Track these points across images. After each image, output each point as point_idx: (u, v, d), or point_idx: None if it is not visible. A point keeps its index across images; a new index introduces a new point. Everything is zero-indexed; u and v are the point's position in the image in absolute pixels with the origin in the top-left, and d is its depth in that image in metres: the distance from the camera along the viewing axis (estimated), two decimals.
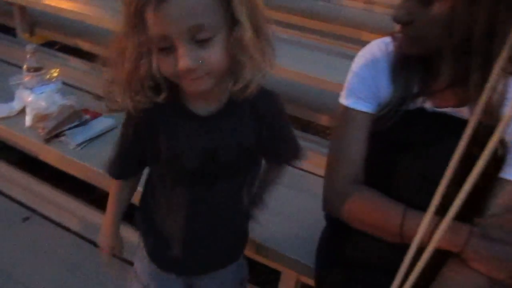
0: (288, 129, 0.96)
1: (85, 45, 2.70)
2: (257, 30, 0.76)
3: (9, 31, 2.87)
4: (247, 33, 0.73)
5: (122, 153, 0.99)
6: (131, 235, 1.55)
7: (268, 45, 0.80)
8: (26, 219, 1.73)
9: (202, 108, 0.85)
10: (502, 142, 0.84)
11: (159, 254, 1.02)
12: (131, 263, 1.15)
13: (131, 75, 0.77)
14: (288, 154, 0.99)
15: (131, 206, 1.25)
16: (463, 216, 0.81)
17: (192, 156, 0.87)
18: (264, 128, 0.89)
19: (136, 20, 0.72)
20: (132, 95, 0.79)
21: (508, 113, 0.50)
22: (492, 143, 0.52)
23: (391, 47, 0.93)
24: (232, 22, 0.73)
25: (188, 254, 0.98)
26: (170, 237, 0.97)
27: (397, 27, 0.84)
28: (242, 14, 0.72)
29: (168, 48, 0.72)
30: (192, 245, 0.97)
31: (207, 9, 0.70)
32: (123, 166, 1.01)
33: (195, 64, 0.71)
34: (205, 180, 0.90)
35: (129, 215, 1.25)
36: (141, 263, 1.07)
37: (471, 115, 0.62)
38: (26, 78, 1.66)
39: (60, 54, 2.35)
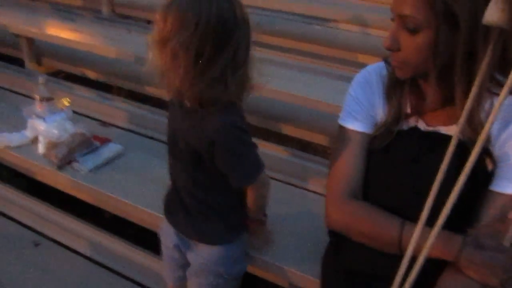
0: (234, 159, 1.07)
1: (90, 74, 2.78)
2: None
3: (17, 61, 2.97)
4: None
5: None
6: (151, 263, 1.60)
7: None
8: (37, 244, 1.77)
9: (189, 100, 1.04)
10: (491, 157, 0.91)
11: (165, 208, 1.29)
12: None
13: None
14: (235, 180, 1.10)
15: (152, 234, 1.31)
16: (458, 226, 0.88)
17: (169, 133, 1.15)
18: (216, 151, 1.04)
19: None
20: None
21: (486, 129, 0.56)
22: (472, 157, 0.58)
23: (384, 71, 1.00)
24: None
25: (174, 212, 1.24)
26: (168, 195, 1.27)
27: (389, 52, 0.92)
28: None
29: None
30: (175, 205, 1.22)
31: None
32: None
33: None
34: (172, 155, 1.17)
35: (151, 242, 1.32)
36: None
37: (457, 135, 0.68)
38: (38, 107, 1.74)
39: (67, 83, 2.44)
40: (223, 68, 0.95)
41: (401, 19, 0.84)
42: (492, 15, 0.50)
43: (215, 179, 1.13)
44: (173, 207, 1.25)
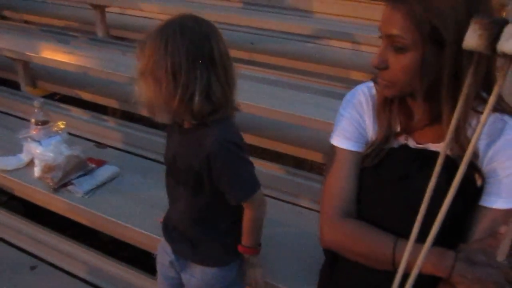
0: (231, 174, 1.10)
1: (85, 95, 2.79)
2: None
3: (12, 84, 2.99)
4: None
5: None
6: (148, 284, 1.61)
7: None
8: (33, 267, 1.77)
9: (186, 123, 1.11)
10: (479, 173, 0.93)
11: (164, 227, 1.31)
12: None
13: None
14: (232, 196, 1.12)
15: (148, 255, 1.33)
16: (450, 242, 0.89)
17: (167, 156, 1.19)
18: (212, 166, 1.07)
19: None
20: None
21: (471, 145, 0.58)
22: (459, 173, 0.60)
23: (373, 91, 1.03)
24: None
25: (172, 232, 1.26)
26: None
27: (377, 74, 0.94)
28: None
29: None
30: (173, 226, 1.26)
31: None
32: None
33: None
34: (172, 178, 1.20)
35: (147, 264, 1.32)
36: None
37: (445, 151, 0.70)
38: (34, 131, 1.75)
39: (63, 105, 2.45)
40: (206, 81, 1.01)
41: (388, 38, 0.86)
42: (471, 40, 0.52)
43: (214, 202, 1.15)
44: (171, 227, 1.27)
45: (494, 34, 0.50)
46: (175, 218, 1.25)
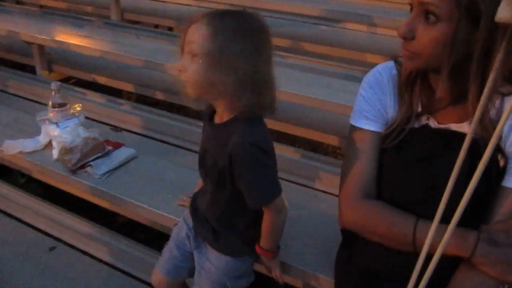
0: (250, 179, 1.07)
1: (100, 79, 2.81)
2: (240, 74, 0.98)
3: (27, 68, 3.01)
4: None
5: None
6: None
7: (256, 89, 1.00)
8: (52, 248, 1.80)
9: (218, 117, 1.11)
10: (502, 153, 0.91)
11: (192, 204, 1.31)
12: None
13: None
14: (250, 200, 1.10)
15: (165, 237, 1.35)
16: (472, 223, 0.88)
17: (200, 149, 1.19)
18: (234, 166, 1.06)
19: None
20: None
21: (499, 127, 0.56)
22: (486, 155, 0.58)
23: (394, 71, 1.01)
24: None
25: (199, 214, 1.27)
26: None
27: (401, 45, 0.90)
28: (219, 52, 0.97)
29: None
30: (200, 212, 1.26)
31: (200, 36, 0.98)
32: None
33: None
34: (203, 170, 1.20)
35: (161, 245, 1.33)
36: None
37: (472, 131, 0.68)
38: (52, 113, 1.76)
39: (79, 89, 2.47)
40: (259, 74, 1.00)
41: (421, 6, 0.82)
42: (505, 12, 0.50)
43: (235, 199, 1.13)
44: (198, 208, 1.28)
45: None
46: (202, 207, 1.26)
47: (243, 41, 0.97)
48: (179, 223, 1.37)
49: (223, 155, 1.06)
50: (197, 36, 0.97)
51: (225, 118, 1.07)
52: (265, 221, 1.15)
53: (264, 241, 1.19)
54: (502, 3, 0.50)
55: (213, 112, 1.13)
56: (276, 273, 1.27)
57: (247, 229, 1.20)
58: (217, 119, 1.11)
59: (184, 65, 1.00)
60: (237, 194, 1.11)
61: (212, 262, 1.23)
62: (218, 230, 1.22)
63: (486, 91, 0.60)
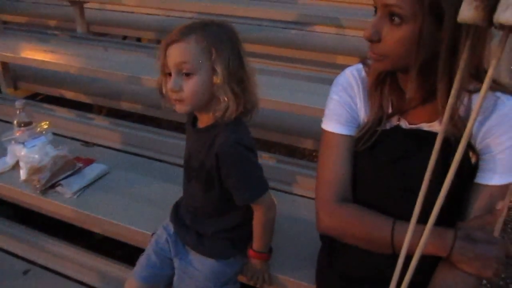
0: (237, 176, 1.11)
1: (69, 94, 2.74)
2: (230, 79, 1.04)
3: None
4: (218, 79, 1.03)
5: None
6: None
7: (241, 91, 1.07)
8: (26, 272, 1.74)
9: (201, 122, 1.16)
10: (474, 150, 0.92)
11: (174, 212, 1.34)
12: None
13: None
14: (238, 197, 1.13)
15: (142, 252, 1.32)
16: (447, 221, 0.88)
17: (185, 153, 1.23)
18: (221, 165, 1.10)
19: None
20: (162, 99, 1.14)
21: (469, 125, 0.56)
22: (458, 153, 0.58)
23: (363, 73, 1.01)
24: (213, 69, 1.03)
25: (180, 221, 1.29)
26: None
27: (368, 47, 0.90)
28: (217, 65, 1.02)
29: (168, 74, 1.06)
30: (181, 215, 1.29)
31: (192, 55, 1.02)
32: None
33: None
34: (187, 174, 1.23)
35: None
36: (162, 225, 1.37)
37: (444, 129, 0.68)
38: (18, 133, 1.71)
39: (46, 105, 2.40)
40: (244, 81, 1.08)
41: (385, 8, 0.82)
42: (467, 12, 0.50)
43: (224, 199, 1.15)
44: (180, 215, 1.30)
45: (490, 5, 0.48)
46: (185, 211, 1.27)
47: (229, 50, 1.04)
48: (158, 231, 1.35)
49: (209, 156, 1.11)
50: (188, 56, 1.01)
51: (210, 122, 1.12)
52: (255, 220, 1.16)
53: (256, 243, 1.20)
54: (464, 3, 0.49)
55: (195, 117, 1.18)
56: (265, 276, 1.26)
57: (235, 228, 1.21)
58: (201, 124, 1.16)
59: (179, 85, 1.03)
60: (226, 193, 1.13)
61: (195, 266, 1.22)
62: (203, 233, 1.22)
63: (453, 91, 0.60)
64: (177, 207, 1.34)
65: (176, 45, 1.02)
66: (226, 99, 1.05)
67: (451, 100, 0.60)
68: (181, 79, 1.03)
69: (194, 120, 1.20)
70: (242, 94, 1.07)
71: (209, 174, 1.13)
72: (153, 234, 1.37)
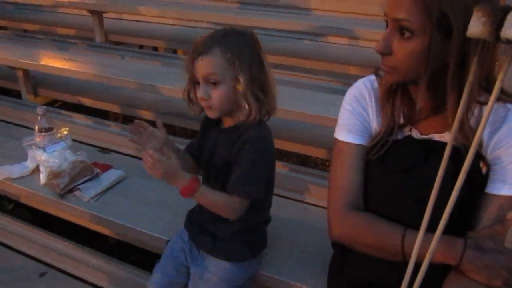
0: (245, 165, 1.15)
1: (86, 101, 2.80)
2: (253, 85, 1.12)
3: (12, 93, 3.00)
4: (243, 87, 1.10)
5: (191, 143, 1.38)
6: None
7: (263, 95, 1.14)
8: (43, 274, 1.78)
9: (225, 123, 1.23)
10: (484, 161, 0.93)
11: (188, 220, 1.37)
12: None
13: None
14: (231, 182, 1.16)
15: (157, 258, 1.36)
16: (458, 230, 0.90)
17: (204, 153, 1.28)
18: (240, 154, 1.16)
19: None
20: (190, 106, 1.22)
21: (477, 135, 0.58)
22: (466, 163, 0.60)
23: (375, 84, 1.03)
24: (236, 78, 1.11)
25: (195, 226, 1.32)
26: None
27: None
28: (240, 74, 1.10)
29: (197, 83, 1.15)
30: (195, 219, 1.32)
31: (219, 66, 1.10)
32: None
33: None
34: (205, 174, 1.29)
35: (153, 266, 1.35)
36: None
37: (452, 139, 0.71)
38: (38, 138, 1.76)
39: (65, 112, 2.46)
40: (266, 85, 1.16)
41: (395, 23, 0.85)
42: (475, 27, 0.52)
43: None
44: (194, 220, 1.32)
45: (497, 21, 0.50)
46: (201, 213, 1.29)
47: (251, 57, 1.12)
48: (171, 240, 1.38)
49: (233, 152, 1.16)
50: (215, 68, 1.10)
51: (234, 123, 1.19)
52: (225, 197, 1.16)
53: (203, 190, 1.15)
54: (473, 18, 0.52)
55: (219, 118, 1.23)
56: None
57: (251, 230, 1.25)
58: (225, 124, 1.23)
59: (208, 94, 1.12)
60: None
61: (211, 270, 1.25)
62: (220, 237, 1.25)
63: (461, 103, 0.62)
64: (191, 214, 1.36)
65: (203, 57, 1.10)
66: (247, 106, 1.12)
67: (459, 114, 0.63)
68: (209, 88, 1.12)
69: (216, 121, 1.25)
70: (265, 98, 1.15)
71: (231, 170, 1.17)
72: (167, 242, 1.40)
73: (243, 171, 1.15)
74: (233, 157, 1.17)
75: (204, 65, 1.11)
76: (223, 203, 1.17)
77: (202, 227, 1.29)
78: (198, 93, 1.14)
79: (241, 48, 1.11)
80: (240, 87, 1.11)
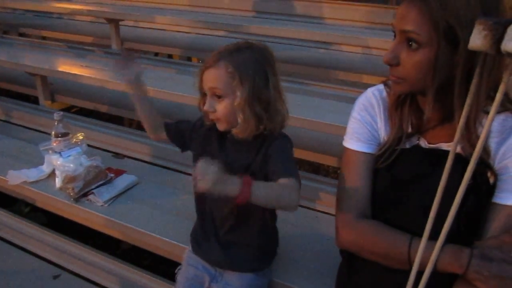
0: (281, 158, 1.15)
1: (102, 108, 2.86)
2: (252, 101, 1.10)
3: (30, 98, 3.07)
4: (240, 102, 1.10)
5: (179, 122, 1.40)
6: None
7: (264, 111, 1.13)
8: (56, 276, 1.80)
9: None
10: (492, 171, 0.94)
11: (193, 241, 1.35)
12: None
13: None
14: (274, 169, 1.13)
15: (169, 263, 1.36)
16: (466, 240, 0.90)
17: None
18: (270, 152, 1.15)
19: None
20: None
21: (478, 145, 0.59)
22: (469, 171, 0.61)
23: (384, 93, 1.05)
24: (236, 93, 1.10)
25: (203, 245, 1.29)
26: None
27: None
28: (238, 88, 1.09)
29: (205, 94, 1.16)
30: (206, 236, 1.29)
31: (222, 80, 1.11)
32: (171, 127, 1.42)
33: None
34: None
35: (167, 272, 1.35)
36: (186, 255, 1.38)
37: (454, 149, 0.71)
38: (55, 143, 1.80)
39: (81, 118, 2.51)
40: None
41: (403, 34, 0.87)
42: (476, 40, 0.54)
43: (254, 208, 1.13)
44: (201, 238, 1.30)
45: (498, 34, 0.52)
46: (209, 228, 1.28)
47: (254, 73, 1.10)
48: (182, 267, 1.36)
49: (259, 155, 1.16)
50: (218, 81, 1.11)
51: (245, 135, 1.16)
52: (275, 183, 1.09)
53: (258, 185, 1.03)
54: (474, 31, 0.53)
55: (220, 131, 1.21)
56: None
57: (263, 234, 1.25)
58: (236, 135, 1.17)
59: (213, 106, 1.13)
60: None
61: (232, 285, 1.25)
62: (229, 247, 1.25)
63: (463, 114, 0.64)
64: (195, 236, 1.34)
65: (209, 70, 1.12)
66: (243, 120, 1.11)
67: (462, 120, 0.64)
68: (214, 101, 1.13)
69: (221, 133, 1.21)
70: (266, 113, 1.13)
71: (253, 173, 1.15)
72: (177, 270, 1.37)
73: (281, 160, 1.14)
74: (261, 165, 1.15)
75: (210, 78, 1.12)
76: (281, 189, 1.06)
77: (213, 245, 1.26)
78: (205, 105, 1.16)
79: (245, 63, 1.11)
80: (236, 102, 1.10)
